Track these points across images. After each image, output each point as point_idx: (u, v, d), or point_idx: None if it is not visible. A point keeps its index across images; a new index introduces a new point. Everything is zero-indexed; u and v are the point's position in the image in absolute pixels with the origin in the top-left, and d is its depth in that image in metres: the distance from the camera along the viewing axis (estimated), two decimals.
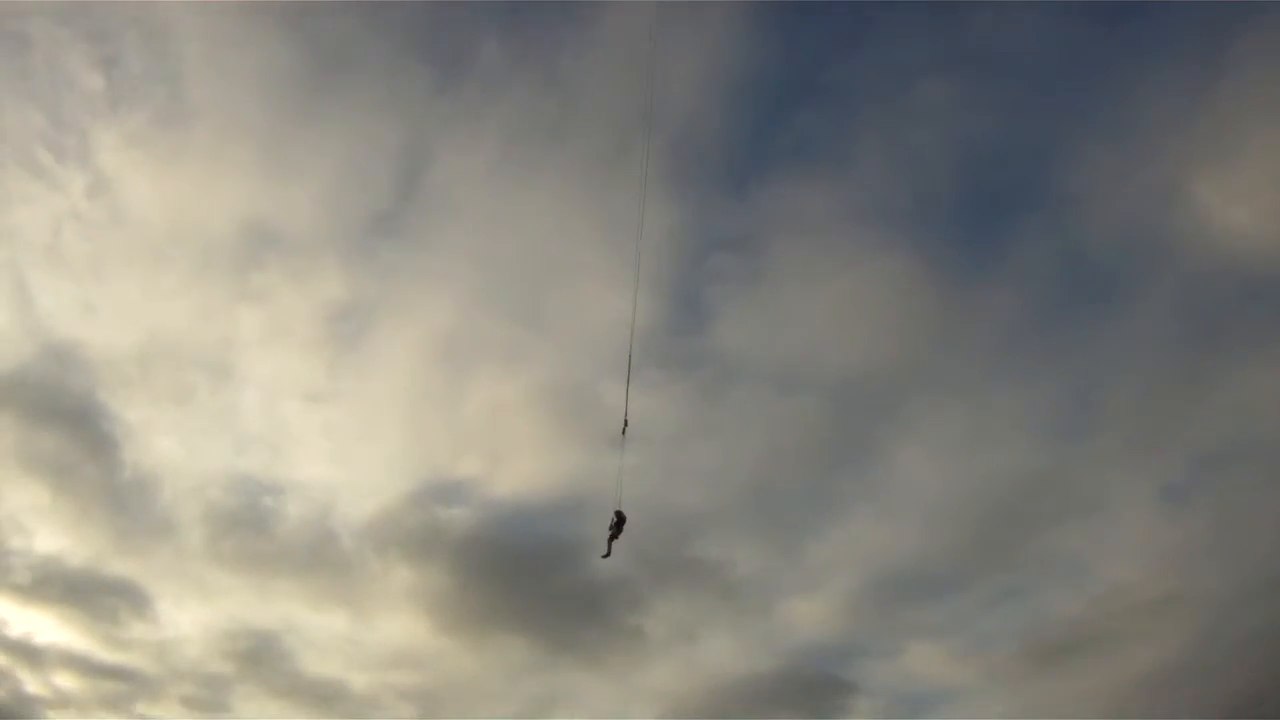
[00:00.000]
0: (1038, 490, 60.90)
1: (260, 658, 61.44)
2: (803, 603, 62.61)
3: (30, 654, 58.27)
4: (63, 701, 58.00)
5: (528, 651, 63.80)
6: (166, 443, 67.01)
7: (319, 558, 64.56)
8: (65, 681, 58.73)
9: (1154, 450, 61.50)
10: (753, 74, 64.38)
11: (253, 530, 65.28)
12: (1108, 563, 58.68)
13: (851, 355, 67.09)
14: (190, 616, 62.37)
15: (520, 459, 69.29)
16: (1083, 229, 65.35)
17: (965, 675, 58.88)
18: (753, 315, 68.26)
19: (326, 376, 70.79)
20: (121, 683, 59.13)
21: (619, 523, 32.32)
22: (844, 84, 66.58)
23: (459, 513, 66.40)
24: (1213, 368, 61.20)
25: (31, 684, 57.81)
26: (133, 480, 64.44)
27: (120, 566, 62.84)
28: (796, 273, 66.73)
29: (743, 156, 69.50)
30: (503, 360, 70.78)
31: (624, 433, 31.70)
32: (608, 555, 32.08)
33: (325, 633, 63.00)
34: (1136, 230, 63.88)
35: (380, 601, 64.61)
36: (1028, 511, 60.84)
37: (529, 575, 64.04)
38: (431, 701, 61.90)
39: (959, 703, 58.16)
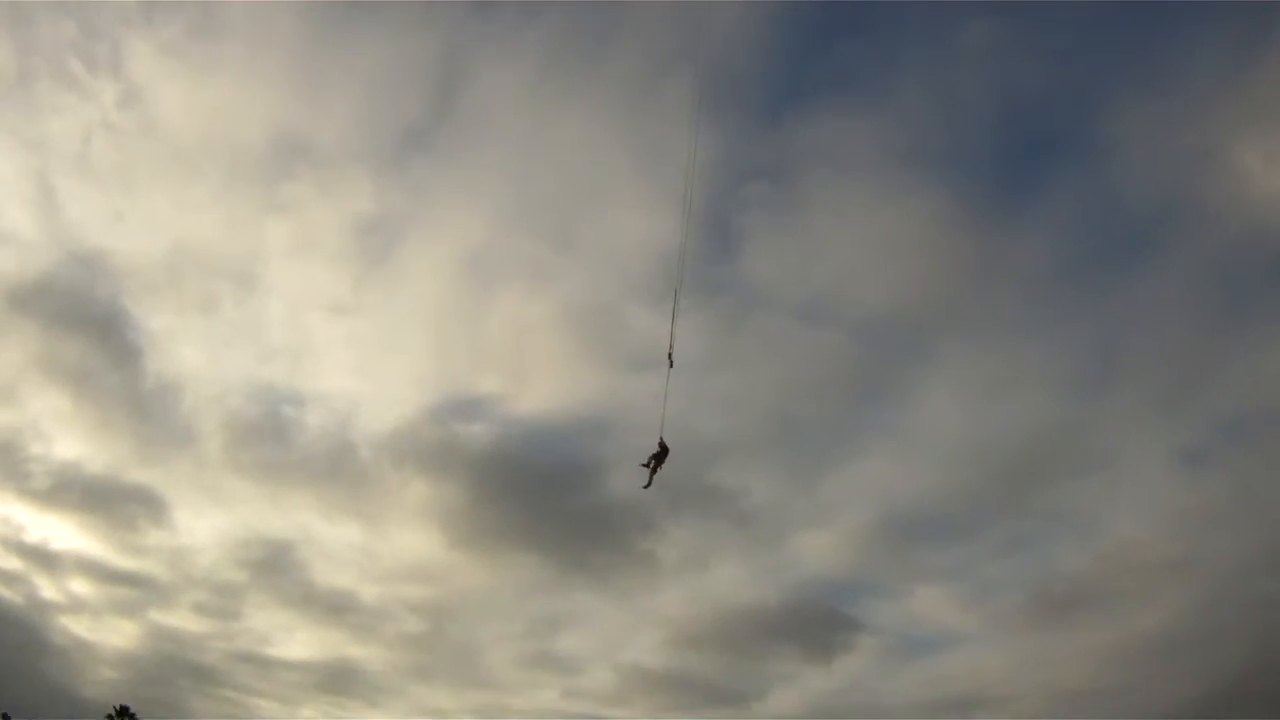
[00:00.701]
0: (1054, 442, 61.36)
1: (274, 567, 63.22)
2: (814, 537, 63.66)
3: (46, 559, 59.89)
4: (76, 607, 59.85)
5: (538, 570, 64.97)
6: (189, 352, 68.63)
7: (336, 469, 66.23)
8: (80, 587, 60.60)
9: (1173, 412, 62.10)
10: (796, 2, 63.48)
11: (272, 440, 67.20)
12: (1118, 521, 59.31)
13: (879, 293, 67.33)
14: (207, 524, 64.42)
15: (541, 378, 70.09)
16: (1119, 183, 65.44)
17: (969, 621, 59.87)
18: (783, 246, 68.37)
19: (352, 290, 71.44)
20: (135, 589, 60.96)
21: (661, 454, 31.09)
22: (889, 19, 65.95)
23: (478, 429, 67.42)
24: (1239, 334, 61.80)
25: (47, 589, 59.48)
26: (155, 388, 66.36)
27: (139, 474, 65.17)
28: (829, 206, 66.60)
29: (781, 86, 69.43)
30: (529, 279, 71.39)
31: (670, 365, 30.60)
32: (648, 486, 30.93)
33: (339, 544, 64.70)
34: (1173, 188, 63.72)
35: (395, 515, 66.39)
36: (1043, 463, 61.29)
37: (544, 495, 65.26)
38: (441, 616, 63.63)
39: (961, 648, 59.47)
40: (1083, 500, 60.11)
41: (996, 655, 57.48)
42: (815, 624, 60.26)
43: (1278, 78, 59.97)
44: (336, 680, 61.17)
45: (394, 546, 66.03)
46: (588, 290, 70.45)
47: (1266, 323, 60.84)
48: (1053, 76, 66.59)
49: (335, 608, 62.49)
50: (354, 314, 72.25)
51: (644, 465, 30.69)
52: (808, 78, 68.81)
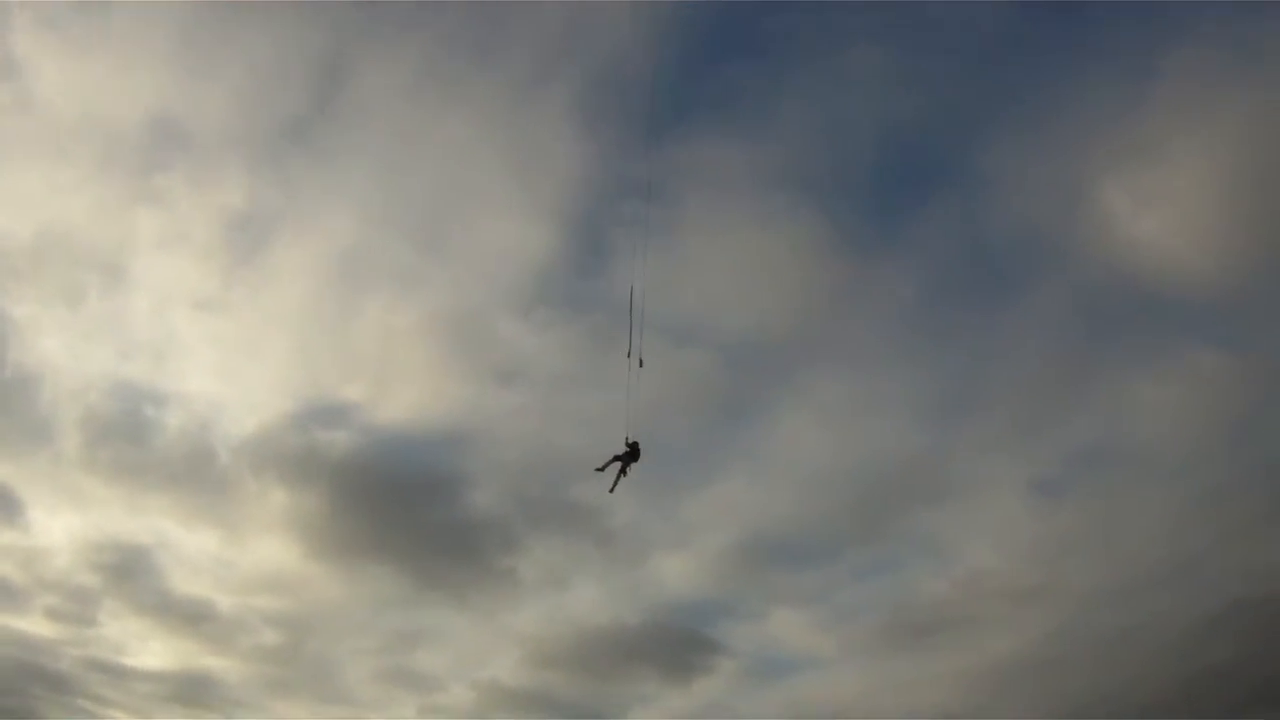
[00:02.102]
0: (913, 469, 61.82)
1: (129, 572, 60.41)
2: (675, 557, 62.73)
3: None
4: None
5: (396, 584, 63.00)
6: (51, 343, 64.34)
7: (195, 473, 63.24)
8: None
9: (1029, 443, 62.79)
10: (686, 17, 62.93)
11: (131, 440, 63.71)
12: (974, 548, 59.77)
13: (748, 315, 66.86)
14: (61, 525, 60.83)
15: (406, 387, 68.14)
16: (991, 216, 66.00)
17: (826, 644, 59.83)
18: (656, 264, 67.25)
19: (220, 286, 68.41)
20: None
21: (630, 454, 29.16)
22: (778, 40, 65.43)
23: (340, 436, 64.95)
24: (1095, 370, 62.91)
25: None
26: (13, 379, 62.22)
27: None
28: (703, 226, 65.89)
29: (664, 101, 68.20)
30: (399, 285, 69.31)
31: (640, 365, 29.47)
32: (613, 491, 29.42)
33: (196, 551, 62.05)
34: (1043, 224, 64.78)
35: (253, 523, 63.49)
36: (902, 489, 61.72)
37: (404, 507, 63.23)
38: (298, 628, 61.34)
39: (817, 671, 59.34)
40: (939, 527, 60.80)
41: (853, 677, 57.80)
42: (674, 645, 59.70)
43: (1152, 124, 61.44)
44: (192, 692, 58.79)
45: (252, 555, 63.34)
46: (456, 298, 68.84)
47: (1121, 360, 62.57)
48: (933, 106, 67.19)
49: (191, 617, 60.13)
50: (220, 312, 69.13)
51: (599, 470, 29.14)
52: (695, 95, 68.18)
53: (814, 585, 61.26)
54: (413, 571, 62.54)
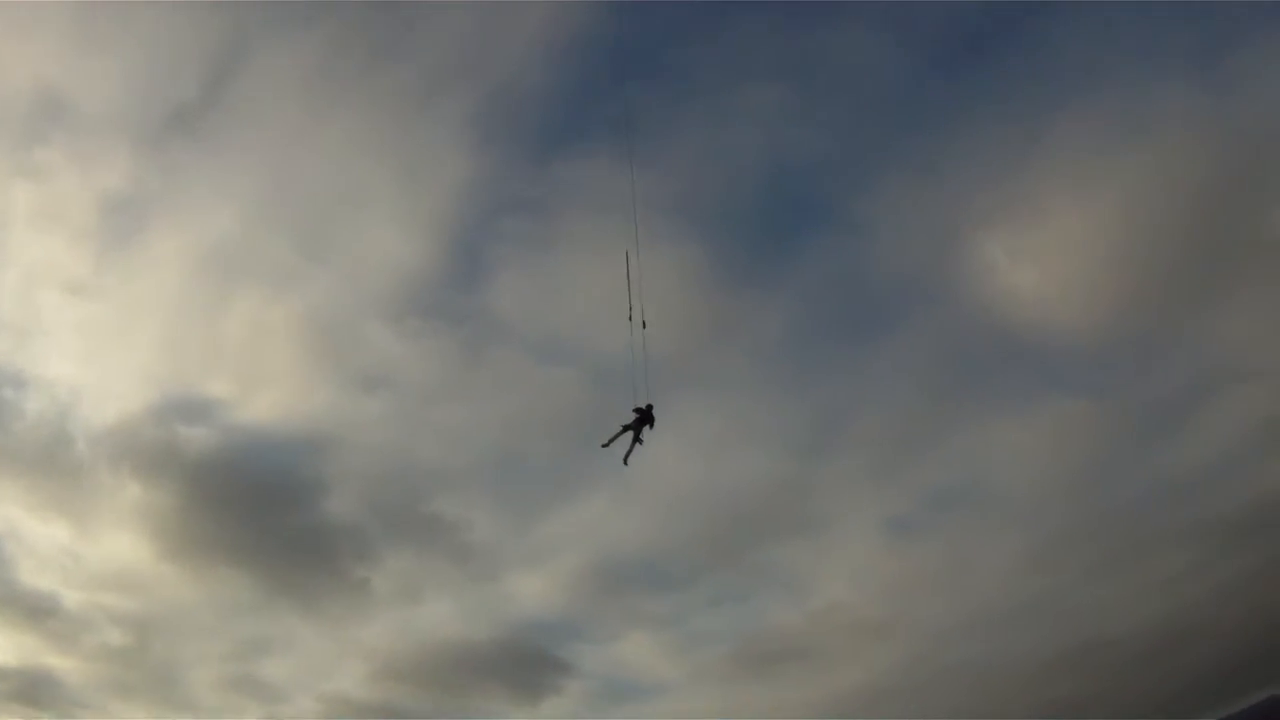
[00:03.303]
0: (774, 500, 62.37)
1: None
2: (530, 576, 62.24)
3: None
4: None
5: (248, 589, 61.23)
6: None
7: (50, 461, 60.96)
8: None
9: (889, 480, 63.71)
10: (587, 39, 63.13)
11: None
12: (828, 581, 60.45)
13: (618, 336, 66.66)
14: None
15: (271, 387, 66.85)
16: (870, 257, 67.43)
17: (676, 670, 59.84)
18: (531, 282, 67.40)
19: (92, 270, 66.41)
20: None
21: (642, 418, 27.95)
22: (678, 70, 65.90)
23: (200, 433, 63.36)
24: (956, 414, 64.24)
25: None
26: None
27: None
28: (584, 248, 65.77)
29: (557, 120, 68.47)
30: (273, 282, 67.88)
31: (644, 327, 28.94)
32: (627, 462, 28.43)
33: (45, 542, 59.75)
34: (920, 270, 66.43)
35: (106, 516, 61.39)
36: (760, 520, 62.18)
37: (260, 510, 61.65)
38: (145, 629, 59.24)
39: (667, 696, 59.05)
40: (796, 559, 61.44)
41: (703, 704, 57.48)
42: (525, 664, 59.06)
43: (1031, 183, 63.54)
44: (31, 690, 55.49)
45: (102, 551, 61.02)
46: (329, 301, 67.67)
47: (984, 404, 64.59)
48: (824, 147, 68.28)
49: (36, 611, 57.35)
50: (89, 296, 66.82)
51: (605, 445, 27.81)
52: (587, 116, 68.46)
53: (667, 610, 61.49)
54: (265, 577, 60.99)
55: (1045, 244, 63.09)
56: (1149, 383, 60.33)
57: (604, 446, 28.45)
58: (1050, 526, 57.56)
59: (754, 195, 69.10)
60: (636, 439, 28.23)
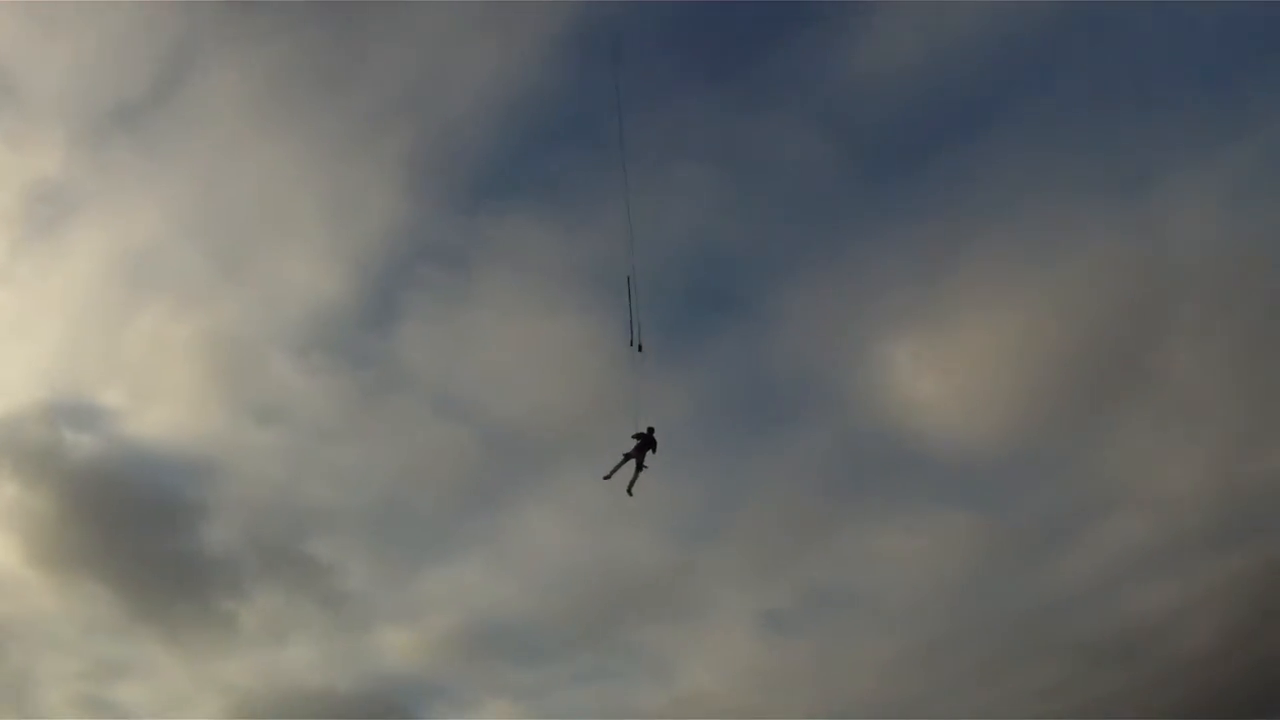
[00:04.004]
0: (651, 583, 62.06)
1: None
2: (399, 630, 61.10)
3: None
4: None
5: (112, 607, 59.45)
6: None
7: None
8: None
9: (768, 575, 63.47)
10: (536, 101, 63.72)
11: None
12: (698, 669, 60.25)
13: (520, 401, 66.66)
14: None
15: (166, 403, 65.61)
16: (777, 350, 67.69)
17: None
18: (441, 333, 67.37)
19: (7, 256, 65.43)
20: None
21: (644, 444, 27.18)
22: (610, 140, 66.50)
23: (86, 440, 62.25)
24: (843, 515, 64.34)
25: None
26: None
27: None
28: (497, 306, 66.27)
29: (491, 175, 68.79)
30: (184, 295, 66.85)
31: (640, 350, 28.47)
32: (631, 493, 27.71)
33: None
34: (824, 369, 66.97)
35: None
36: (636, 601, 61.84)
37: (136, 527, 60.34)
38: (1, 636, 56.86)
39: None
40: (668, 643, 61.03)
41: None
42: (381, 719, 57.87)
43: (943, 297, 65.36)
44: None
45: None
46: (237, 324, 66.85)
47: (869, 509, 64.62)
48: (745, 232, 69.23)
49: None
50: (2, 284, 66.08)
51: (606, 478, 27.13)
52: (522, 175, 68.88)
53: (532, 682, 60.55)
54: (131, 597, 59.29)
55: (949, 356, 64.50)
56: (1035, 502, 61.38)
57: (605, 479, 27.95)
58: (926, 634, 58.16)
59: (672, 273, 69.43)
60: (640, 466, 27.74)
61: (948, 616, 58.73)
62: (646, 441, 27.60)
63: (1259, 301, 60.13)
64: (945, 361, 64.70)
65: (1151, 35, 66.04)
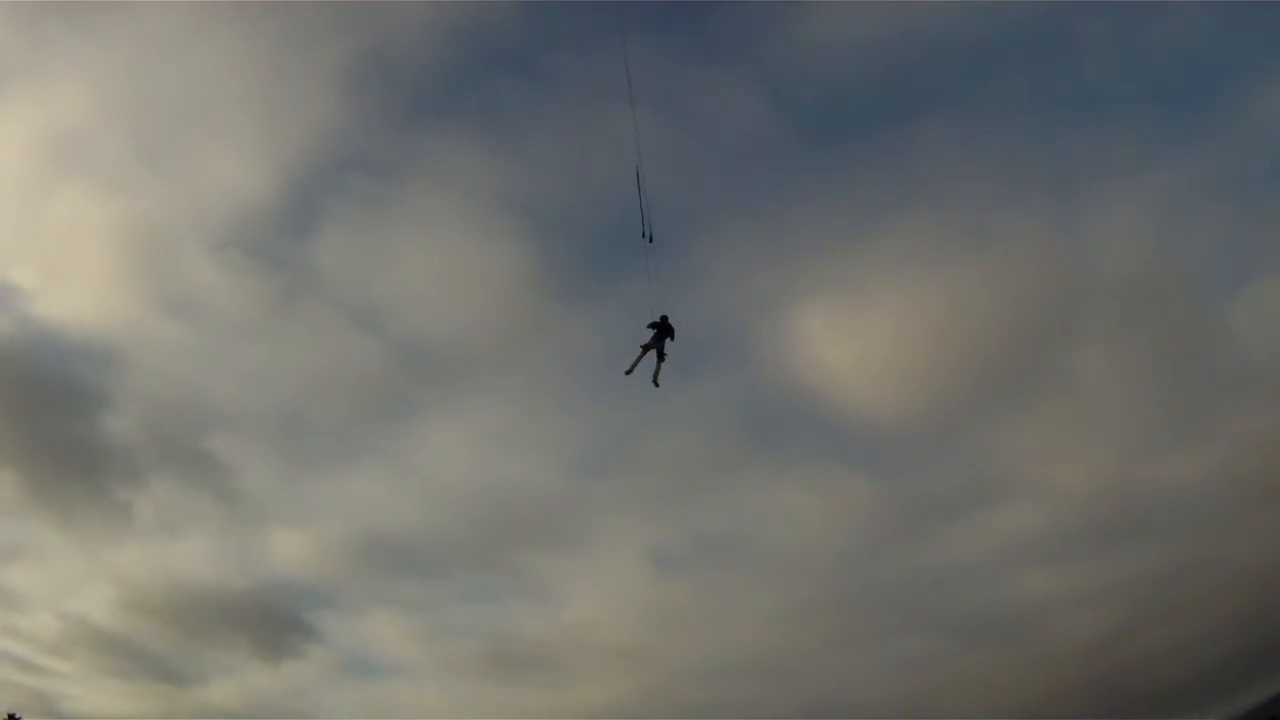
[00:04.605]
0: (545, 510, 63.99)
1: None
2: (292, 534, 62.40)
3: None
4: None
5: (7, 488, 59.33)
6: None
7: None
8: None
9: (658, 514, 65.99)
10: (483, 28, 63.72)
11: None
12: (583, 598, 62.35)
13: (436, 317, 67.21)
14: None
15: (76, 288, 65.07)
16: (697, 298, 68.62)
17: (419, 656, 61.07)
18: (360, 242, 67.59)
19: None
20: None
21: (661, 332, 26.20)
22: (553, 74, 66.14)
23: None
24: (740, 464, 67.14)
25: None
26: None
27: None
28: (423, 222, 66.20)
29: (432, 95, 68.24)
30: (104, 180, 66.38)
31: (650, 240, 27.53)
32: (658, 383, 26.95)
33: None
34: (738, 323, 71.61)
35: None
36: (528, 526, 63.68)
37: (38, 409, 59.90)
38: None
39: (406, 680, 60.39)
40: (555, 571, 63.18)
41: (439, 694, 58.74)
42: (272, 622, 58.66)
43: (864, 267, 70.14)
44: None
45: None
46: (156, 214, 66.10)
47: (766, 463, 67.47)
48: (679, 181, 70.83)
49: None
50: None
51: (628, 373, 26.33)
52: (458, 98, 68.38)
53: (421, 596, 62.34)
54: (27, 479, 59.18)
55: (864, 327, 66.38)
56: (932, 478, 64.01)
57: (627, 374, 27.15)
58: (806, 591, 60.49)
59: (601, 210, 70.17)
60: (661, 355, 27.05)
61: (831, 578, 61.31)
62: (663, 329, 26.92)
63: (1173, 317, 62.99)
64: (860, 331, 66.60)
65: (1104, 50, 68.51)
